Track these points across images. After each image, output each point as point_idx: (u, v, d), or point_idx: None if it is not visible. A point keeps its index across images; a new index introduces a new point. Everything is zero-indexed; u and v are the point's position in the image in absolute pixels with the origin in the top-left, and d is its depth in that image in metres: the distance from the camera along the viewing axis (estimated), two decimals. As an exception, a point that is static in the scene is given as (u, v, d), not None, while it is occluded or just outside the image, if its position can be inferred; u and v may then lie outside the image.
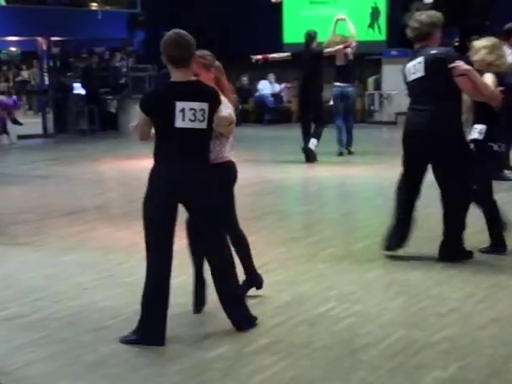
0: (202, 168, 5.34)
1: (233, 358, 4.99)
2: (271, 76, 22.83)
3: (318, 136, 13.67)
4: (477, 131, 7.27)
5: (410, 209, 7.34)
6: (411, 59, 7.14)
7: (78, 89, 21.36)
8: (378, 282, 6.56)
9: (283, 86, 23.21)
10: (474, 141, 7.29)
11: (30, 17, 23.04)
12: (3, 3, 24.36)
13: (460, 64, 6.83)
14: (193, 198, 5.34)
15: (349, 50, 14.30)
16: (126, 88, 21.75)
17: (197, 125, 5.23)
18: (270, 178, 12.33)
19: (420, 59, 7.06)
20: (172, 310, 5.88)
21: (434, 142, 6.97)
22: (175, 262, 7.21)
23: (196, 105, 5.22)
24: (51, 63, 21.74)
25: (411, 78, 7.11)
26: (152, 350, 5.16)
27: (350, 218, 8.85)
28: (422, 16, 7.17)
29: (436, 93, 7.02)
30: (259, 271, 6.83)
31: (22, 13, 23.51)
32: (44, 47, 21.15)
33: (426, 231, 8.16)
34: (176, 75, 5.32)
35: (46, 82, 21.47)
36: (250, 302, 6.02)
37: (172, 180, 5.26)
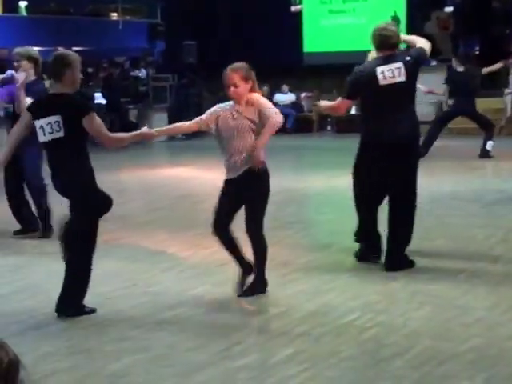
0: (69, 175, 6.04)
1: (258, 368, 4.97)
2: (284, 87, 22.81)
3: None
4: None
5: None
6: (380, 64, 7.14)
7: (99, 98, 21.47)
8: (402, 292, 6.53)
9: (303, 95, 23.20)
10: None
11: (51, 27, 23.21)
12: (24, 13, 24.54)
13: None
14: None
15: None
16: (147, 97, 21.84)
17: (55, 135, 5.93)
18: (292, 187, 12.31)
19: (399, 64, 7.10)
20: (196, 319, 5.89)
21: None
22: (196, 272, 7.24)
23: (50, 119, 5.95)
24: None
25: (390, 81, 7.11)
26: (177, 359, 5.15)
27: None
28: (391, 27, 7.30)
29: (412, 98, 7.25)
30: (283, 280, 6.85)
31: (43, 23, 23.70)
32: (65, 57, 21.23)
33: (450, 240, 8.14)
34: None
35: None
36: (272, 312, 6.04)
37: None
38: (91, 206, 6.09)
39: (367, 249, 7.47)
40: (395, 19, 23.19)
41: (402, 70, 7.08)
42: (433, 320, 5.78)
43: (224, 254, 7.86)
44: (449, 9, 22.29)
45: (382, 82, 7.09)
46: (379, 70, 7.09)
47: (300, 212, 10.63)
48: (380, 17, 23.14)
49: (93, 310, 6.11)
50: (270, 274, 7.11)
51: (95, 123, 6.09)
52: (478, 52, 22.30)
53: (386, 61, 7.13)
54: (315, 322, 5.78)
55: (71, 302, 6.02)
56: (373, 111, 7.22)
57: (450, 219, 9.27)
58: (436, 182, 11.94)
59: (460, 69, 14.93)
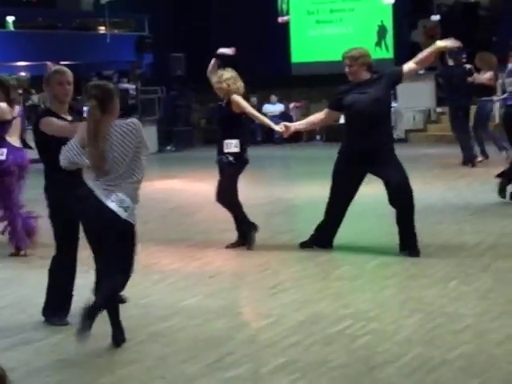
0: None
1: (250, 378, 4.97)
2: (273, 98, 22.86)
3: None
4: (233, 145, 8.38)
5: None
6: None
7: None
8: (393, 300, 6.55)
9: (292, 105, 23.25)
10: (233, 153, 8.39)
11: (39, 42, 23.22)
12: (11, 28, 24.55)
13: None
14: None
15: None
16: (136, 110, 21.83)
17: None
18: (281, 197, 12.34)
19: None
20: (188, 331, 5.89)
21: None
22: (188, 283, 7.24)
23: None
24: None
25: None
26: (170, 370, 5.15)
27: (364, 235, 8.84)
28: None
29: None
30: (273, 290, 6.86)
31: (31, 38, 23.70)
32: (53, 71, 21.22)
33: (440, 247, 8.17)
34: None
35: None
36: (263, 322, 6.04)
37: None
38: None
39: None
40: (382, 28, 23.34)
41: None
42: (423, 327, 5.79)
43: (215, 265, 7.88)
44: (435, 17, 22.39)
45: None
46: None
47: (290, 222, 10.64)
48: (367, 26, 23.32)
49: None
50: (261, 284, 7.12)
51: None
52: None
53: None
54: (306, 331, 5.78)
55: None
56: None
57: (440, 226, 9.30)
58: (426, 189, 11.97)
59: (450, 63, 15.15)
